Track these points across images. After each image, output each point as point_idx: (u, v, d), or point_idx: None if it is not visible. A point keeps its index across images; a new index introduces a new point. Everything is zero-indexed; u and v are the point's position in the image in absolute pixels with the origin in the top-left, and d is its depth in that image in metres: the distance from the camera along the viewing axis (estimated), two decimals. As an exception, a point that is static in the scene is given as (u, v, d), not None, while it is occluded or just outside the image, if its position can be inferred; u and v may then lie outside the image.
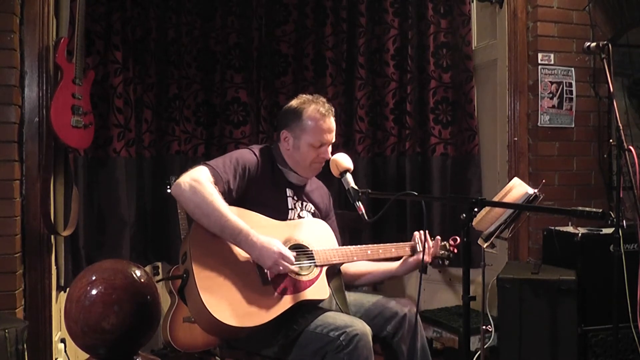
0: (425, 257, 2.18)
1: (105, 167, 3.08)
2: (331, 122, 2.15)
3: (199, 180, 1.89)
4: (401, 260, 2.26)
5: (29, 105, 2.59)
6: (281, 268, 1.89)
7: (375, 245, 2.21)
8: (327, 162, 2.14)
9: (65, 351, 2.80)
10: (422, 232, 2.23)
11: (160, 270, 3.38)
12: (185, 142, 3.34)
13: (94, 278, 1.34)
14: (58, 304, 2.81)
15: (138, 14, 3.20)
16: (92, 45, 3.02)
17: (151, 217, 3.26)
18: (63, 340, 2.80)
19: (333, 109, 2.18)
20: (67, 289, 2.76)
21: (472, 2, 3.50)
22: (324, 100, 2.19)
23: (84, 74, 2.69)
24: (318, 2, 3.50)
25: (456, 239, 2.31)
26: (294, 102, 2.18)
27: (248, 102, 3.40)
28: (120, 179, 3.08)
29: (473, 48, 3.51)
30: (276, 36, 3.47)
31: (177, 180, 1.91)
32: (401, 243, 2.25)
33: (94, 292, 1.31)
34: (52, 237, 2.72)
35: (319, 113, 2.12)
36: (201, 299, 1.77)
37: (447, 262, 2.29)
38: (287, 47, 3.48)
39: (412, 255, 2.25)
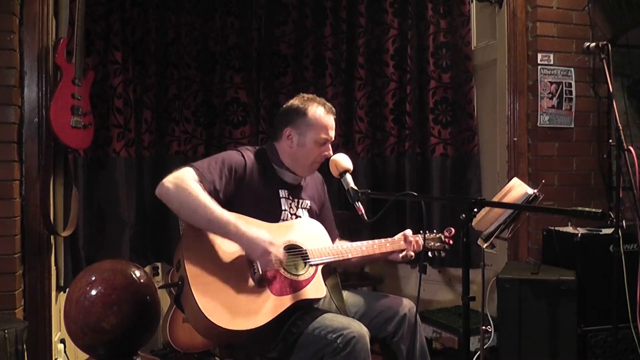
0: (408, 253, 2.20)
1: (105, 167, 3.08)
2: (333, 120, 2.19)
3: (182, 179, 1.88)
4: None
5: (29, 106, 2.59)
6: (271, 258, 1.86)
7: (369, 241, 2.20)
8: (327, 162, 2.14)
9: (64, 351, 2.80)
10: (406, 232, 2.24)
11: (159, 271, 3.39)
12: (185, 142, 3.34)
13: (93, 278, 1.34)
14: (58, 304, 2.81)
15: (138, 15, 3.20)
16: (91, 46, 3.01)
17: (151, 218, 3.26)
18: (63, 341, 2.79)
19: (334, 108, 2.22)
20: (67, 290, 2.76)
21: (472, 2, 3.51)
22: (324, 99, 2.22)
23: (83, 74, 2.69)
24: (318, 2, 3.50)
25: (451, 230, 2.30)
26: (295, 101, 2.19)
27: (248, 102, 3.40)
28: (119, 179, 3.08)
29: (472, 48, 3.51)
30: (276, 37, 3.47)
31: (161, 182, 1.90)
32: (395, 238, 2.24)
33: (93, 292, 1.32)
34: (52, 237, 2.72)
35: (323, 110, 2.15)
36: (197, 304, 1.76)
37: (443, 254, 2.30)
38: (287, 47, 3.48)
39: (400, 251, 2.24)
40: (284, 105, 2.22)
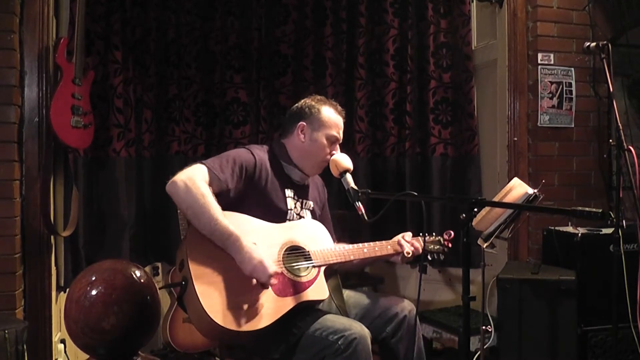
0: (403, 257, 2.20)
1: (105, 167, 3.07)
2: (342, 122, 2.25)
3: (194, 180, 1.88)
4: None
5: (29, 105, 2.59)
6: (258, 275, 1.83)
7: (370, 243, 2.20)
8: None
9: (65, 351, 2.80)
10: (405, 234, 2.24)
11: (160, 271, 3.38)
12: (185, 142, 3.33)
13: (93, 278, 1.34)
14: (58, 304, 2.81)
15: (138, 15, 3.20)
16: (92, 46, 3.01)
17: (151, 217, 3.26)
18: (63, 341, 2.79)
19: (344, 112, 2.28)
20: (67, 289, 2.76)
21: (472, 2, 3.50)
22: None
23: (83, 74, 2.69)
24: (318, 2, 3.50)
25: (450, 233, 2.30)
26: (308, 100, 2.25)
27: (248, 102, 3.39)
28: (120, 179, 3.08)
29: (473, 48, 3.51)
30: (276, 37, 3.47)
31: (173, 178, 1.91)
32: (395, 239, 2.24)
33: (93, 292, 1.32)
34: (52, 237, 2.72)
35: (336, 110, 2.23)
36: (201, 305, 1.76)
37: (442, 257, 2.30)
38: (287, 47, 3.48)
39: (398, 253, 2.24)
40: (297, 104, 2.27)
